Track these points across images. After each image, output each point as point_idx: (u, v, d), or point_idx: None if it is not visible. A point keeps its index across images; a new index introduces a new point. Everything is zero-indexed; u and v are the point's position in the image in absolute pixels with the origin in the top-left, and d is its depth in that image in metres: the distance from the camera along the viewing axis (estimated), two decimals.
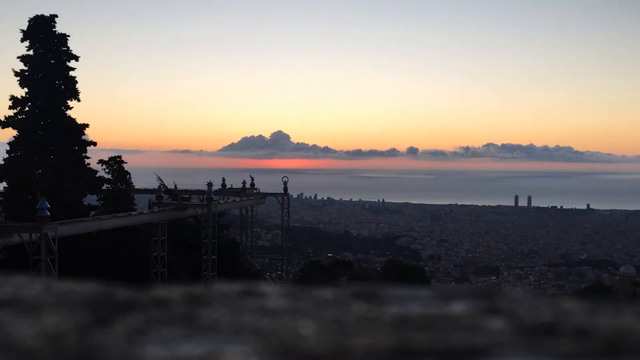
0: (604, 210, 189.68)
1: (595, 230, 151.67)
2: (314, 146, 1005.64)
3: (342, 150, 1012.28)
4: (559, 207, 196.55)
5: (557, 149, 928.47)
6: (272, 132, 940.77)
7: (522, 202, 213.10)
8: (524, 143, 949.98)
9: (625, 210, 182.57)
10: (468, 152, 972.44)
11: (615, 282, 71.30)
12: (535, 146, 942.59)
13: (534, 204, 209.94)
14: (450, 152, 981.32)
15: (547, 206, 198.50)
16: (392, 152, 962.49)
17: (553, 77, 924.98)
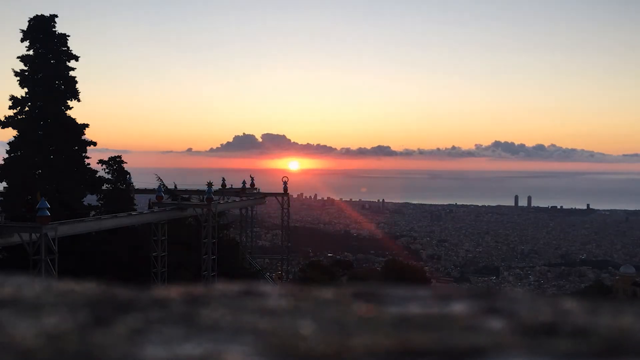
0: (604, 210, 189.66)
1: (595, 230, 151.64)
2: (308, 145, 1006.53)
3: (336, 150, 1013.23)
4: (559, 207, 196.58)
5: (554, 148, 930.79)
6: (264, 132, 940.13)
7: (522, 202, 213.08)
8: (517, 142, 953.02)
9: (625, 210, 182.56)
10: (463, 152, 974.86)
11: (615, 282, 71.34)
12: (527, 146, 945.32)
13: (534, 204, 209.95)
14: (444, 152, 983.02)
15: (547, 206, 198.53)
16: (388, 152, 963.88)
17: (547, 76, 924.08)
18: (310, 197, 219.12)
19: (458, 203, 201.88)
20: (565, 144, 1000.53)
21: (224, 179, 43.70)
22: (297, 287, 0.93)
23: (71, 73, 33.47)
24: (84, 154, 33.84)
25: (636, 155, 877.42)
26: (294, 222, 73.88)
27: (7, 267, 26.20)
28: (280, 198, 44.48)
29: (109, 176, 34.27)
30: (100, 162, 34.24)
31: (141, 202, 39.76)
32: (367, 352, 0.68)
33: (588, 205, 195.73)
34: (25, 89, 32.70)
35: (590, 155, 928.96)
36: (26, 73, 32.65)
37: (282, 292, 0.91)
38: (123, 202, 33.28)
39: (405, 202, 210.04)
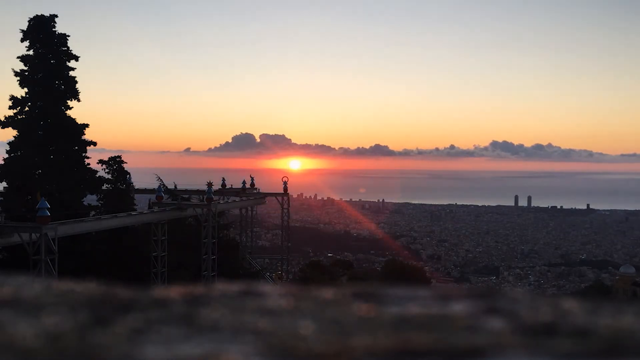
0: (604, 210, 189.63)
1: (595, 230, 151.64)
2: (307, 145, 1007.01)
3: (334, 149, 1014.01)
4: (559, 207, 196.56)
5: (553, 148, 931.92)
6: (262, 132, 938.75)
7: (522, 202, 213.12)
8: (515, 142, 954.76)
9: (625, 210, 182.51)
10: (462, 152, 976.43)
11: (615, 282, 71.41)
12: (525, 146, 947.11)
13: (534, 204, 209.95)
14: (443, 152, 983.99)
15: (547, 206, 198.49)
16: (386, 152, 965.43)
17: (545, 76, 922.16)
18: (310, 197, 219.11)
19: (458, 203, 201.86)
20: (563, 143, 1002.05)
21: (224, 179, 43.67)
22: (297, 287, 0.93)
23: (71, 73, 33.48)
24: (84, 154, 33.83)
25: (635, 155, 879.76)
26: (294, 222, 73.93)
27: (7, 267, 26.21)
28: (280, 198, 44.48)
29: (109, 176, 34.26)
30: (100, 162, 34.22)
31: (141, 202, 39.76)
32: (367, 352, 0.68)
33: (588, 205, 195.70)
34: (25, 89, 32.70)
35: (589, 155, 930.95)
36: (26, 73, 32.65)
37: (282, 292, 0.91)
38: (123, 202, 33.28)
39: (405, 202, 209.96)
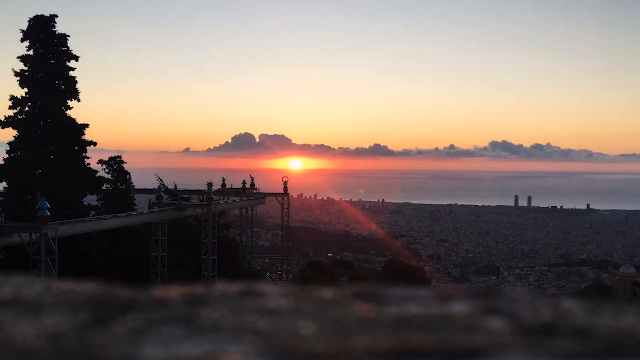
0: (604, 210, 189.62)
1: (595, 230, 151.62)
2: (306, 145, 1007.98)
3: (334, 149, 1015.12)
4: (559, 207, 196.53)
5: (552, 149, 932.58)
6: (261, 132, 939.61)
7: (522, 202, 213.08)
8: (515, 142, 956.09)
9: (625, 210, 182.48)
10: (461, 152, 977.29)
11: (615, 282, 71.42)
12: (525, 146, 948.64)
13: (534, 204, 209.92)
14: (443, 152, 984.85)
15: (547, 206, 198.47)
16: (386, 152, 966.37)
17: (544, 76, 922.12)
18: (310, 197, 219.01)
19: (458, 203, 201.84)
20: (563, 143, 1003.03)
21: (224, 179, 43.65)
22: (297, 287, 0.93)
23: (71, 73, 33.46)
24: (84, 154, 33.82)
25: (634, 155, 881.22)
26: (294, 222, 73.85)
27: (7, 267, 26.20)
28: (280, 198, 44.47)
29: (109, 176, 34.25)
30: (100, 162, 34.21)
31: (141, 202, 39.74)
32: (367, 352, 0.68)
33: (588, 205, 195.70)
34: (25, 89, 32.68)
35: (588, 155, 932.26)
36: (26, 73, 32.63)
37: (282, 292, 0.91)
38: (123, 202, 33.26)
39: (405, 202, 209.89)
